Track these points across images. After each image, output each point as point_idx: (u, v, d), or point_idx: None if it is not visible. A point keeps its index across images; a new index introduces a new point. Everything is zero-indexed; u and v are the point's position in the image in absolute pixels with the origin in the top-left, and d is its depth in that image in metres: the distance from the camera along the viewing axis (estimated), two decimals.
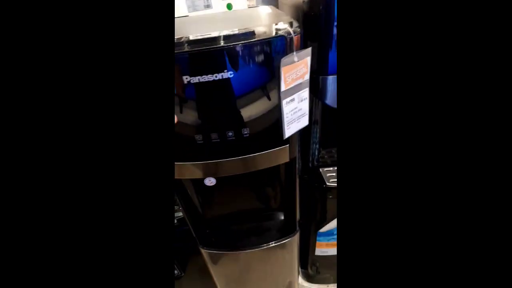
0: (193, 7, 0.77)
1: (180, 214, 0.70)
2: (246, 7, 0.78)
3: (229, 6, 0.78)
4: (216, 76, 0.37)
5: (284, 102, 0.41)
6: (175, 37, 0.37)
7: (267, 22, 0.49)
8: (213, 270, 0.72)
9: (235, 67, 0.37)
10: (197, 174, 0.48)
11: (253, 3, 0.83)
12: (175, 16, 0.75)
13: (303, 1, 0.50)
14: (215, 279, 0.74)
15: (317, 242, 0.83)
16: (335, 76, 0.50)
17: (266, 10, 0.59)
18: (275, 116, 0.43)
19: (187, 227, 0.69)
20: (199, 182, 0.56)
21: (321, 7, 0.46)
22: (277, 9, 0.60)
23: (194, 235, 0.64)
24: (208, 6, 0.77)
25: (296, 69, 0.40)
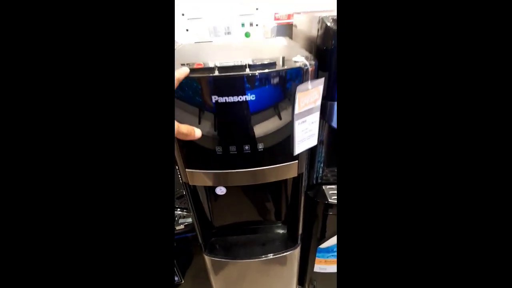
0: (214, 33, 0.86)
1: (187, 220, 0.73)
2: (263, 36, 0.87)
3: (247, 35, 0.87)
4: (240, 98, 0.43)
5: (296, 123, 0.47)
6: (203, 62, 0.44)
7: (284, 53, 0.56)
8: (213, 277, 0.74)
9: (256, 91, 0.43)
10: (213, 182, 0.53)
11: (269, 35, 0.92)
12: (200, 41, 0.84)
13: (317, 37, 0.58)
14: (213, 286, 0.76)
15: (317, 258, 0.85)
16: None
17: (282, 42, 0.67)
18: (288, 135, 0.48)
19: (190, 234, 0.72)
20: (211, 191, 0.61)
21: (332, 42, 0.53)
22: (292, 41, 0.68)
23: (201, 241, 0.67)
24: (228, 33, 0.86)
25: (309, 96, 0.46)
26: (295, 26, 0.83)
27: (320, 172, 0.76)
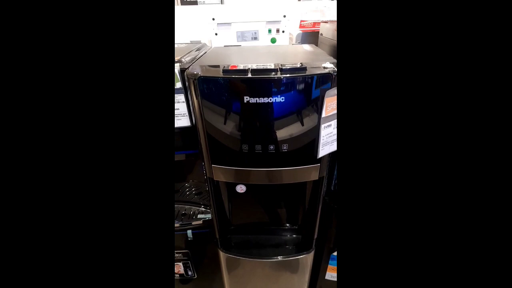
0: (242, 37, 0.90)
1: (206, 216, 0.76)
2: (288, 43, 0.90)
3: (273, 40, 0.90)
4: (270, 100, 0.45)
5: (322, 126, 0.48)
6: (238, 65, 0.46)
7: (310, 58, 0.58)
8: (226, 274, 0.75)
9: (286, 94, 0.45)
10: (236, 178, 0.55)
11: (294, 41, 0.94)
12: (229, 44, 0.87)
13: None
14: (225, 282, 0.77)
15: (329, 266, 0.85)
16: None
17: (308, 48, 0.69)
18: (312, 138, 0.50)
19: (207, 230, 0.74)
20: (232, 188, 0.63)
21: None
22: (318, 48, 0.70)
23: (217, 237, 0.69)
24: (255, 38, 0.89)
25: (336, 101, 0.47)
26: (321, 34, 0.85)
27: None
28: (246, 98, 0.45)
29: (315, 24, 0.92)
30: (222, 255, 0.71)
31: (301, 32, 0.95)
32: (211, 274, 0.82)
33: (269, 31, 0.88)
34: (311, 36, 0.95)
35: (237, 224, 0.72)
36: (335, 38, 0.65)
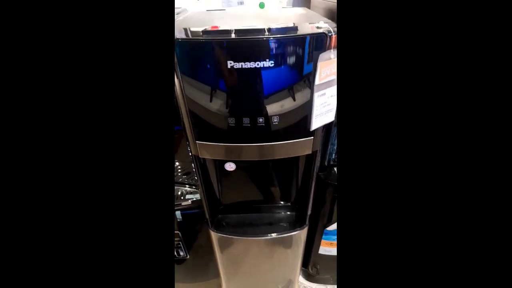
0: (227, 2, 0.81)
1: (195, 196, 0.73)
2: (279, 7, 0.82)
3: (261, 5, 0.82)
4: (258, 64, 0.40)
5: (316, 95, 0.44)
6: (219, 26, 0.40)
7: (303, 21, 0.52)
8: (219, 253, 0.74)
9: (276, 58, 0.40)
10: (224, 155, 0.51)
11: (284, 5, 0.86)
12: (212, 9, 0.79)
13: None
14: (218, 262, 0.77)
15: (323, 241, 0.85)
16: None
17: (300, 11, 0.62)
18: (305, 109, 0.46)
19: (198, 210, 0.72)
20: (221, 166, 0.59)
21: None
22: (310, 11, 0.63)
23: (207, 217, 0.67)
24: (241, 3, 0.81)
25: (331, 66, 0.42)
26: None
27: (333, 154, 0.74)
28: (230, 63, 0.39)
29: None
30: (214, 235, 0.69)
31: None
32: (205, 254, 0.81)
33: None
34: (304, 1, 0.87)
35: (228, 203, 0.69)
36: None
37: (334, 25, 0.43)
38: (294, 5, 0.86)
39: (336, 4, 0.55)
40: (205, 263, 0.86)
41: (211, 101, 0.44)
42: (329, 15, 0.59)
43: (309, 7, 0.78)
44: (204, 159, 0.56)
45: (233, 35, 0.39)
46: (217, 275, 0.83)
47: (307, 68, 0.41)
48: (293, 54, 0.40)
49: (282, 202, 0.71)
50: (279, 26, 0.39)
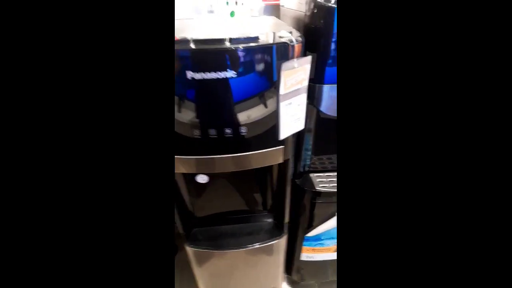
0: (196, 10, 0.80)
1: None
2: (249, 16, 0.82)
3: (232, 14, 0.81)
4: (219, 75, 0.39)
5: (282, 104, 0.43)
6: (179, 36, 0.39)
7: (271, 31, 0.52)
8: (196, 269, 0.71)
9: (237, 68, 0.39)
10: (192, 169, 0.49)
11: (255, 13, 0.87)
12: (180, 18, 0.77)
13: (305, 14, 0.54)
14: (197, 278, 0.74)
15: (304, 247, 0.85)
16: (332, 85, 0.53)
17: (269, 20, 0.63)
18: (273, 118, 0.45)
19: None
20: (192, 179, 0.57)
21: (321, 21, 0.50)
22: (279, 20, 0.64)
23: (182, 232, 0.64)
24: (211, 12, 0.80)
25: (296, 75, 0.42)
26: (283, 5, 0.78)
27: (308, 160, 0.74)
28: (189, 74, 0.38)
29: None
30: (190, 251, 0.66)
31: (264, 5, 0.87)
32: (183, 271, 0.77)
33: (227, 3, 0.79)
34: (275, 10, 0.88)
35: (202, 217, 0.67)
36: (298, 8, 0.60)
37: (298, 34, 0.43)
38: (264, 14, 0.87)
39: (303, 13, 0.56)
40: (181, 280, 0.82)
41: (174, 113, 0.42)
42: (297, 24, 0.60)
43: (278, 17, 0.79)
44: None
45: (192, 45, 0.38)
46: None
47: (270, 78, 0.41)
48: (255, 64, 0.39)
49: (259, 213, 0.70)
50: (239, 36, 0.39)
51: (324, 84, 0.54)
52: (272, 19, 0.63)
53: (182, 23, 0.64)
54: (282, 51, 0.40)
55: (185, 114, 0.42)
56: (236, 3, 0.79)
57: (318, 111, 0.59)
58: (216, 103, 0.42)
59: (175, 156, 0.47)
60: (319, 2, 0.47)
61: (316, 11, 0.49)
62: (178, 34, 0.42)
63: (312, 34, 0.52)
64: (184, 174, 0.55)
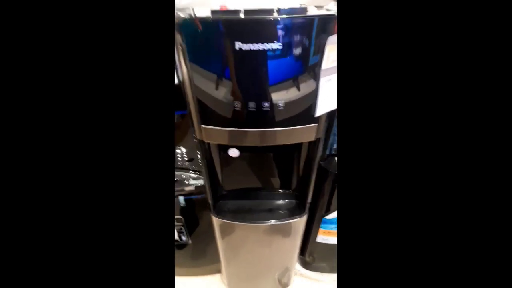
0: None
1: (198, 182, 0.73)
2: None
3: None
4: (266, 46, 0.39)
5: (322, 80, 0.44)
6: (226, 6, 0.40)
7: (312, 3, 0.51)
8: (219, 239, 0.75)
9: (284, 39, 0.39)
10: (229, 140, 0.51)
11: None
12: None
13: None
14: (219, 247, 0.78)
15: (320, 229, 0.87)
16: None
17: None
18: (311, 94, 0.46)
19: (200, 196, 0.73)
20: (224, 152, 0.59)
21: None
22: None
23: (210, 203, 0.68)
24: None
25: (336, 51, 0.42)
26: None
27: (334, 144, 0.74)
28: (237, 45, 0.39)
29: None
30: (216, 221, 0.70)
31: None
32: (206, 239, 0.82)
33: None
34: None
35: (230, 190, 0.70)
36: None
37: None
38: None
39: None
40: (206, 249, 0.87)
41: (217, 84, 0.44)
42: None
43: None
44: (208, 144, 0.56)
45: (241, 15, 0.38)
46: (217, 260, 0.85)
47: (315, 52, 0.41)
48: (302, 36, 0.40)
49: (282, 190, 0.72)
50: (288, 7, 0.39)
51: None
52: None
53: None
54: (328, 24, 0.40)
55: (227, 85, 0.44)
56: None
57: None
58: (259, 75, 0.42)
59: (213, 127, 0.49)
60: None
61: None
62: (216, 4, 0.43)
63: None
64: (218, 146, 0.57)
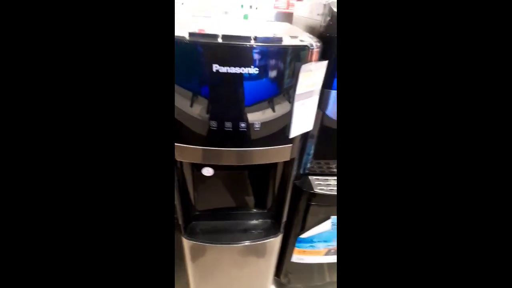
0: (211, 12, 0.82)
1: None
2: (263, 20, 0.85)
3: (245, 17, 0.84)
4: (242, 70, 0.41)
5: (296, 104, 0.46)
6: (204, 30, 0.41)
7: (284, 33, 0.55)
8: (190, 262, 0.71)
9: (260, 65, 0.41)
10: (203, 159, 0.50)
11: (268, 18, 0.90)
12: (196, 15, 0.79)
13: (320, 25, 0.57)
14: (189, 271, 0.73)
15: (296, 248, 0.86)
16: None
17: (283, 26, 0.66)
18: (285, 116, 0.47)
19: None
20: (198, 171, 0.58)
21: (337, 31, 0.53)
22: (294, 26, 0.67)
23: (181, 224, 0.64)
24: (226, 13, 0.83)
25: (312, 78, 0.45)
26: (295, 14, 0.82)
27: (308, 164, 0.77)
28: (215, 67, 0.40)
29: (289, 5, 0.88)
30: (186, 243, 0.66)
31: (276, 12, 0.91)
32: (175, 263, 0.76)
33: (242, 6, 0.82)
34: (287, 16, 0.92)
35: (202, 210, 0.67)
36: (311, 16, 0.63)
37: (316, 39, 0.46)
38: (276, 20, 0.91)
39: (315, 21, 0.59)
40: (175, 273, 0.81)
41: (192, 103, 0.44)
42: (311, 32, 0.63)
43: (290, 23, 0.83)
44: (181, 162, 0.54)
45: (219, 40, 0.40)
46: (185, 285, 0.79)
47: (289, 77, 0.44)
48: (277, 63, 0.42)
49: (256, 210, 0.71)
50: (264, 36, 0.41)
51: (332, 89, 0.57)
52: (286, 25, 0.67)
53: (200, 20, 0.65)
54: (302, 54, 0.42)
55: (204, 105, 0.44)
56: (251, 7, 0.82)
57: (322, 119, 0.63)
58: (235, 96, 0.43)
59: (188, 146, 0.48)
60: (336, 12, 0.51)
61: (332, 22, 0.52)
62: (198, 28, 0.44)
63: (326, 42, 0.56)
64: (191, 165, 0.55)
